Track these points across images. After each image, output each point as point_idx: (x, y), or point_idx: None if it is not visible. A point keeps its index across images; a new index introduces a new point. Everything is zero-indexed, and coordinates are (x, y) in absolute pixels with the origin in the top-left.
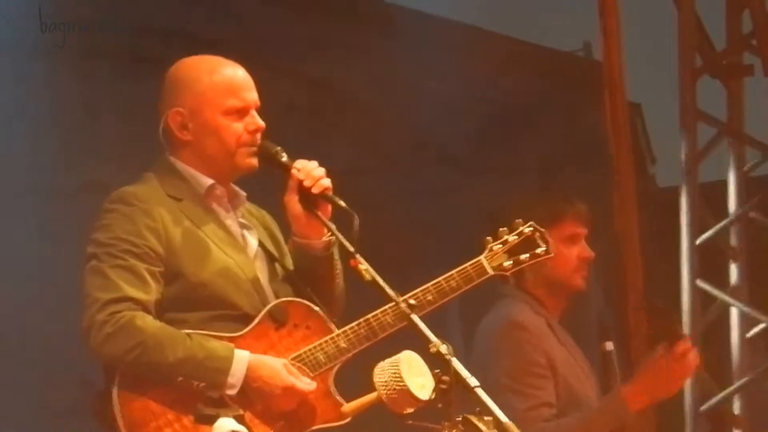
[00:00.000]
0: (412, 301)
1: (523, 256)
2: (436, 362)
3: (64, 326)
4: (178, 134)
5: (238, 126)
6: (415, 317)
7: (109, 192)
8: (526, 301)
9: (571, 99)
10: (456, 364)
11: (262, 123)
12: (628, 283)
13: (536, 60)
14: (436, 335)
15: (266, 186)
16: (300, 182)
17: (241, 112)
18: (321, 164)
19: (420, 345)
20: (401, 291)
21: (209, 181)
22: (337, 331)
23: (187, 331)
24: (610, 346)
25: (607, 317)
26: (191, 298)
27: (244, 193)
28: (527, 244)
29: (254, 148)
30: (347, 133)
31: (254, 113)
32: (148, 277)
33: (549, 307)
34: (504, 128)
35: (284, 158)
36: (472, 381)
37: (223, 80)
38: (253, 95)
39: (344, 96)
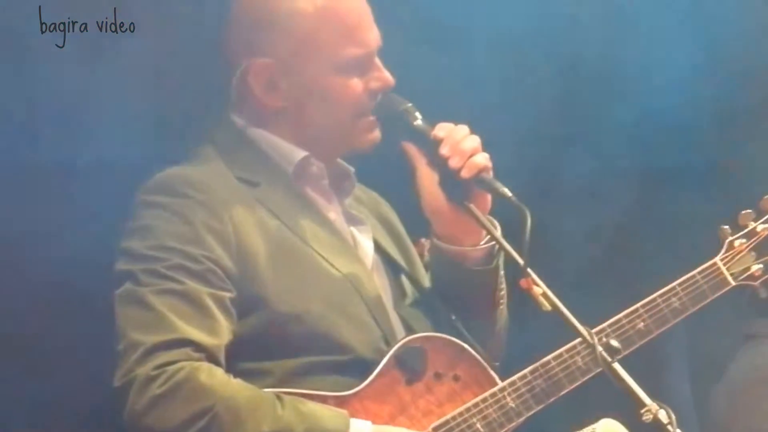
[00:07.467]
0: (614, 342)
1: None
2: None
3: None
4: (262, 97)
5: (357, 84)
6: (618, 368)
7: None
8: None
9: None
10: None
11: (390, 78)
12: None
13: None
14: (653, 389)
15: (373, 161)
16: (444, 160)
17: (362, 63)
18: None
19: (626, 406)
20: (599, 312)
21: (301, 153)
22: (501, 384)
23: (274, 390)
24: None
25: None
26: (278, 338)
27: (352, 169)
28: None
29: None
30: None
31: (378, 62)
32: (214, 307)
33: None
34: None
35: (418, 121)
36: None
37: (337, 14)
38: (375, 34)
39: None
